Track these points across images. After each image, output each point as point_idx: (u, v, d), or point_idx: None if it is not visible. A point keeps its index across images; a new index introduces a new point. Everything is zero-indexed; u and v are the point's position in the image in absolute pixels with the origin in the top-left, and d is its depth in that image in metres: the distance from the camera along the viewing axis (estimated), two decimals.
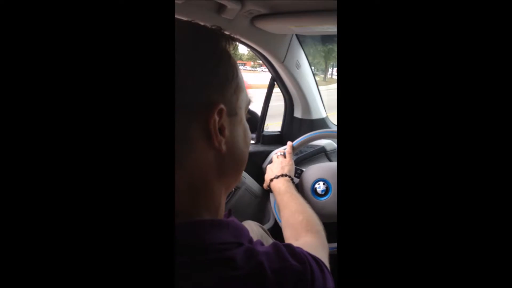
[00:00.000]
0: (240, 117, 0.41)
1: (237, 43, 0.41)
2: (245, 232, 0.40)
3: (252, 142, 1.24)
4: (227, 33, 0.40)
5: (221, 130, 0.37)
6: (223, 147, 0.38)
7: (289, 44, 1.02)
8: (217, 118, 0.36)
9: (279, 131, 1.29)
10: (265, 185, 0.92)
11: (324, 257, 0.51)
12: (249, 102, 0.44)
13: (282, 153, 0.94)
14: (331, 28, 0.78)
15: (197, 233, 0.34)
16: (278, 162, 0.90)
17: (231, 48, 0.41)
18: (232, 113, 0.39)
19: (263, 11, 0.78)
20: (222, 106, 0.36)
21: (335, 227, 0.72)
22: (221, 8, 0.74)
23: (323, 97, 1.30)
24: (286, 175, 0.86)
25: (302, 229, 0.65)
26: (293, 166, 0.91)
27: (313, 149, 1.20)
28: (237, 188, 1.10)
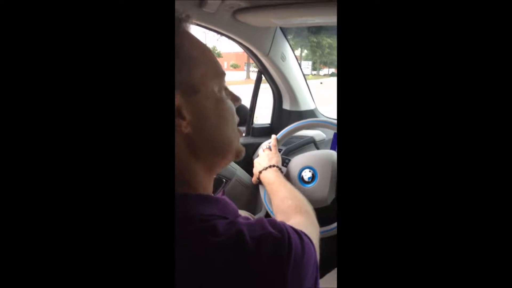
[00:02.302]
0: (205, 94, 0.39)
1: (190, 21, 0.40)
2: (233, 209, 0.41)
3: (242, 135, 1.26)
4: (181, 12, 0.39)
5: (179, 112, 0.36)
6: (185, 129, 0.37)
7: (274, 36, 1.04)
8: None
9: (269, 123, 1.31)
10: (254, 178, 0.94)
11: (314, 234, 0.52)
12: (219, 74, 0.41)
13: (267, 147, 0.97)
14: (310, 20, 0.81)
15: (182, 205, 0.35)
16: (265, 155, 0.93)
17: (176, 27, 0.37)
18: (190, 92, 0.37)
19: (243, 4, 0.81)
20: None
21: (322, 213, 0.74)
22: (202, 2, 0.76)
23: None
24: (274, 166, 0.88)
25: (292, 212, 0.67)
26: (280, 157, 0.94)
27: (303, 140, 1.22)
28: (228, 180, 1.12)
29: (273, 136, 0.98)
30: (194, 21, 0.41)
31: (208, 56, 0.40)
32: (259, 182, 0.92)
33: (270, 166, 0.88)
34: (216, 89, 0.41)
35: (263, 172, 0.88)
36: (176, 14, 0.38)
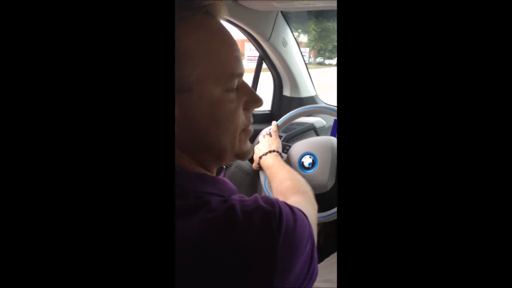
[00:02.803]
0: (199, 93, 0.37)
1: (216, 9, 0.37)
2: (231, 189, 0.41)
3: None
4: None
5: None
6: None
7: (275, 21, 1.03)
8: None
9: (269, 110, 1.31)
10: (254, 164, 0.95)
11: (311, 212, 0.52)
12: (228, 75, 0.38)
13: (268, 133, 0.97)
14: (313, 4, 0.79)
15: (179, 181, 0.35)
16: (265, 141, 0.93)
17: (182, 18, 0.35)
18: (181, 88, 0.36)
19: None
20: None
21: (321, 198, 0.75)
22: None
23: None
24: (274, 151, 0.89)
25: (290, 193, 0.67)
26: (280, 143, 0.94)
27: (303, 126, 1.22)
28: (228, 166, 1.13)
29: (274, 122, 0.98)
30: (225, 16, 0.38)
31: (215, 54, 0.37)
32: (260, 168, 0.93)
33: (270, 151, 0.89)
34: (216, 91, 0.38)
35: (263, 157, 0.89)
36: (200, 3, 0.36)
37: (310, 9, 0.87)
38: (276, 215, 0.36)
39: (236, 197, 0.39)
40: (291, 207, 0.40)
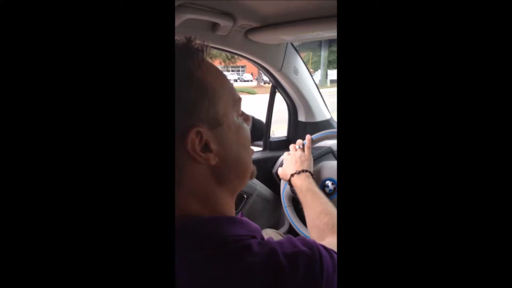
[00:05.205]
0: (227, 124, 0.41)
1: (208, 50, 0.41)
2: (258, 229, 0.43)
3: (260, 149, 1.27)
4: (198, 41, 0.40)
5: (207, 145, 0.38)
6: (213, 161, 0.39)
7: (285, 52, 1.07)
8: (196, 139, 0.37)
9: (286, 136, 1.32)
10: (282, 175, 0.88)
11: None
12: (237, 100, 0.43)
13: (300, 147, 0.90)
14: (320, 34, 0.82)
15: (214, 227, 0.37)
16: (297, 156, 0.87)
17: (197, 62, 0.39)
18: (215, 125, 0.39)
19: (254, 24, 0.83)
20: (197, 128, 0.37)
21: None
22: (215, 26, 0.79)
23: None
24: (306, 171, 0.83)
25: (328, 231, 0.66)
26: (312, 162, 0.88)
27: (321, 150, 1.22)
28: (249, 195, 1.13)
29: (308, 136, 0.92)
30: (210, 44, 0.42)
31: (226, 86, 0.41)
32: (278, 177, 0.88)
33: (302, 171, 0.84)
34: (234, 116, 0.42)
35: (295, 176, 0.83)
36: (194, 44, 0.40)
37: (318, 39, 0.90)
38: (317, 260, 0.37)
39: (270, 238, 0.40)
40: (327, 250, 0.41)
